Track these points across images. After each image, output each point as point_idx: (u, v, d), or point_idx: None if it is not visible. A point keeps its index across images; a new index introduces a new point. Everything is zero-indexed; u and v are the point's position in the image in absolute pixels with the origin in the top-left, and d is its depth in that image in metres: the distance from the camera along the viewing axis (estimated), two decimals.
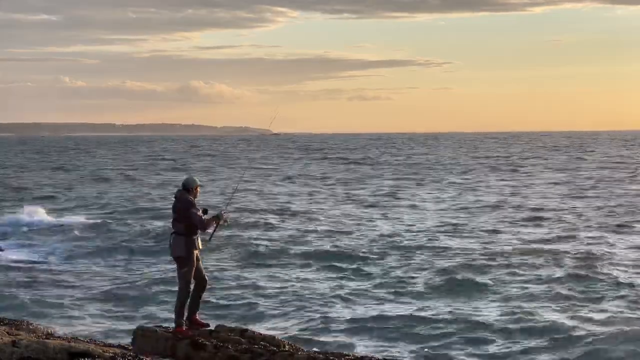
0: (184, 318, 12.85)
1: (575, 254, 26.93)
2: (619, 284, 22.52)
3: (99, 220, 38.45)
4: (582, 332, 18.19)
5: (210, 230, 12.78)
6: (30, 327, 15.09)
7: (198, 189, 12.83)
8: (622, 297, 21.28)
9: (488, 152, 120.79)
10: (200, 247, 12.73)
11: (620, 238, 30.97)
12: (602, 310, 20.05)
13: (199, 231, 12.70)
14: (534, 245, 29.28)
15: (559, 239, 30.87)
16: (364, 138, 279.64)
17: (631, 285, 22.31)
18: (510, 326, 18.84)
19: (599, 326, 18.60)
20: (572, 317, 19.45)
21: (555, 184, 57.51)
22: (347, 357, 12.49)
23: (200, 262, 12.86)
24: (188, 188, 12.75)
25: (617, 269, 24.47)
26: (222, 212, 12.85)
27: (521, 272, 24.48)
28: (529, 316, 19.50)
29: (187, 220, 12.56)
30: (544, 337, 17.97)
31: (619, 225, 34.35)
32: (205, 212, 12.74)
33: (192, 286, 12.76)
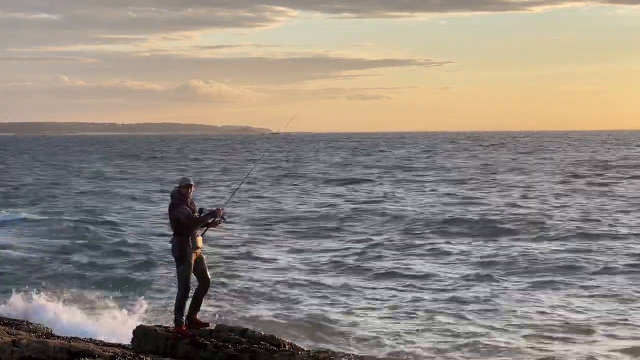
0: (184, 317, 12.84)
1: None
2: None
3: (102, 218, 38.52)
4: None
5: (204, 226, 12.66)
6: (31, 326, 15.10)
7: (190, 189, 12.75)
8: None
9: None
10: (200, 245, 12.67)
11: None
12: None
13: (197, 230, 12.61)
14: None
15: None
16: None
17: None
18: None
19: None
20: None
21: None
22: (347, 356, 12.51)
23: (205, 262, 12.79)
24: (180, 187, 12.73)
25: None
26: (219, 209, 12.76)
27: None
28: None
29: (176, 220, 12.49)
30: None
31: None
32: (200, 211, 12.69)
33: (191, 285, 12.72)
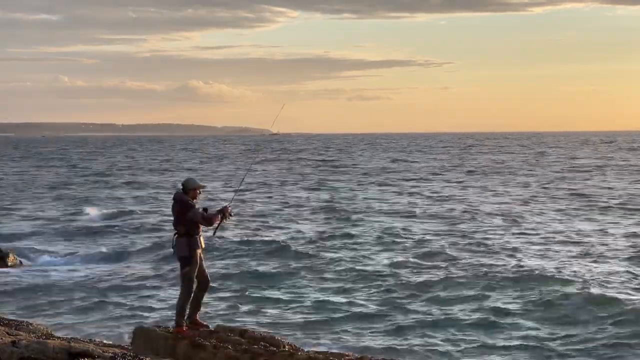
0: (185, 318, 12.86)
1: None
2: None
3: (103, 220, 38.69)
4: None
5: (215, 225, 12.76)
6: (30, 327, 15.11)
7: (197, 192, 12.78)
8: None
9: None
10: (203, 245, 12.73)
11: None
12: None
13: (201, 230, 12.69)
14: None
15: None
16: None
17: None
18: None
19: None
20: None
21: None
22: (347, 357, 12.50)
23: (203, 262, 12.85)
24: (186, 190, 12.74)
25: None
26: (227, 207, 12.84)
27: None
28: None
29: (186, 221, 12.55)
30: None
31: None
32: (205, 211, 12.74)
33: (194, 286, 12.75)
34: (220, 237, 30.37)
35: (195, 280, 12.74)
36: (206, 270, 12.91)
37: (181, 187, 12.86)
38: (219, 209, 12.80)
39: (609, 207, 41.74)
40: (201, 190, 12.90)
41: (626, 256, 26.71)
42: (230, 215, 12.86)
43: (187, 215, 12.53)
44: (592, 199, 46.18)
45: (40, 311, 21.12)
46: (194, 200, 12.73)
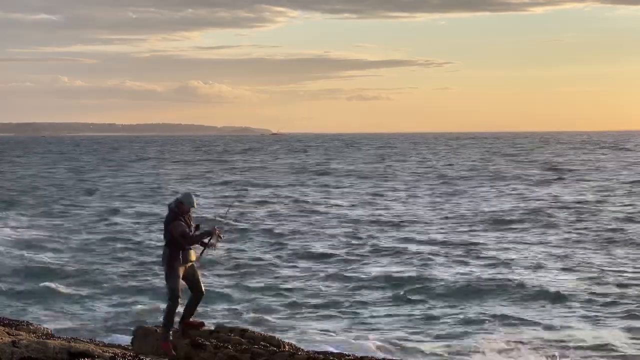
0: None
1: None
2: None
3: (103, 220, 38.74)
4: None
5: (201, 245, 12.19)
6: (31, 327, 15.09)
7: (184, 208, 12.16)
8: None
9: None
10: (192, 259, 12.18)
11: None
12: None
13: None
14: None
15: None
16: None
17: None
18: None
19: None
20: None
21: None
22: (347, 357, 12.49)
23: (197, 273, 12.36)
24: (177, 202, 12.20)
25: None
26: (216, 228, 12.23)
27: None
28: None
29: (169, 233, 12.07)
30: None
31: None
32: (197, 228, 12.18)
33: (182, 295, 12.22)
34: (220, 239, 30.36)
35: (190, 290, 12.30)
36: (201, 282, 12.38)
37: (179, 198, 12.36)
38: (207, 229, 12.17)
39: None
40: (191, 209, 12.28)
41: None
42: (220, 237, 12.18)
43: (168, 228, 12.06)
44: None
45: (40, 311, 21.12)
46: (186, 214, 12.14)
